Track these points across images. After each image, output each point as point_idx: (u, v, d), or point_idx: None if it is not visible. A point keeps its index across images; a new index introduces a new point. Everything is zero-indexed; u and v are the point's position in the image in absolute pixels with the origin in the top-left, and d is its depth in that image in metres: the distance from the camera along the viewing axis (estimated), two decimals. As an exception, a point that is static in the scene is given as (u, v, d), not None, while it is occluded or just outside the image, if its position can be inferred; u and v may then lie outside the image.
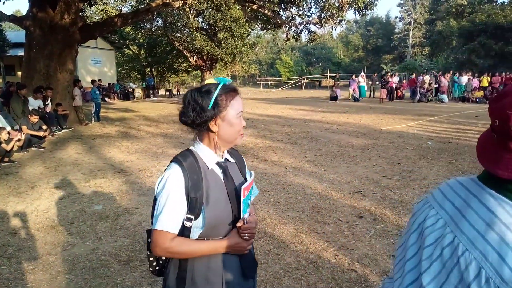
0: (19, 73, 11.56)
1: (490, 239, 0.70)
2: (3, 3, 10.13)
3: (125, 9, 26.76)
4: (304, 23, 18.21)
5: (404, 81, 22.51)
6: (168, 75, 33.74)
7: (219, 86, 1.29)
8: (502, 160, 0.74)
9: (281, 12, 19.27)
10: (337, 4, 15.92)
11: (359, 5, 15.54)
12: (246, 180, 1.42)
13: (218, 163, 1.35)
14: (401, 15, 51.71)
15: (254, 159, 6.77)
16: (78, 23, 10.41)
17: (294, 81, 38.13)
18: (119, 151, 7.64)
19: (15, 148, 6.95)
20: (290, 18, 18.87)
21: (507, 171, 0.73)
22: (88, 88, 12.97)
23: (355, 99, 19.51)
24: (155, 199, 1.31)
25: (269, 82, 39.67)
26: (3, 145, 6.43)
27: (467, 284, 0.69)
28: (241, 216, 1.31)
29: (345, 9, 15.93)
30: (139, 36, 29.63)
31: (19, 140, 7.02)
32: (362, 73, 22.23)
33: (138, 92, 24.81)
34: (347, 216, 4.14)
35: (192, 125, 1.31)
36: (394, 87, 19.31)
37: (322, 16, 16.74)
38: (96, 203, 4.70)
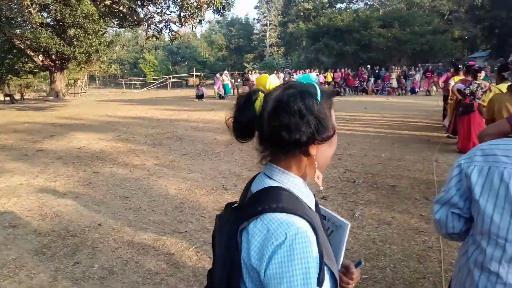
0: None
1: None
2: None
3: None
4: (164, 21, 17.85)
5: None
6: (9, 78, 28.96)
7: (318, 89, 0.88)
8: None
9: (139, 10, 18.47)
10: (195, 4, 16.04)
11: (217, 5, 15.98)
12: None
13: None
14: (258, 17, 55.30)
15: (113, 165, 6.31)
16: None
17: (160, 81, 37.09)
18: None
19: None
20: (149, 16, 18.24)
21: None
22: None
23: (220, 97, 20.06)
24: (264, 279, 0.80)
25: (133, 82, 37.70)
26: None
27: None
28: (344, 262, 1.02)
29: (203, 9, 16.18)
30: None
31: None
32: (226, 72, 23.03)
33: (-33, 99, 20.58)
34: (210, 212, 4.19)
35: (292, 146, 0.87)
36: (255, 84, 20.50)
37: (182, 15, 16.68)
38: None
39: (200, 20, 16.86)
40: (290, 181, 0.90)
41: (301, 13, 44.63)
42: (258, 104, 0.87)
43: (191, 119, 11.83)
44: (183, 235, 3.62)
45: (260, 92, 0.89)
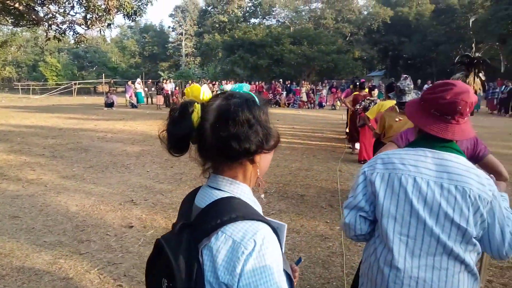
0: None
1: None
2: None
3: None
4: (67, 22, 16.46)
5: (177, 88, 23.67)
6: None
7: (256, 98, 0.89)
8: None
9: (38, 8, 16.77)
10: (103, 7, 15.13)
11: (128, 10, 15.29)
12: None
13: None
14: (174, 26, 54.38)
15: (3, 180, 5.56)
16: None
17: (64, 87, 34.03)
18: None
19: None
20: (50, 15, 16.67)
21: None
22: None
23: (133, 106, 19.17)
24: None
25: (32, 87, 34.01)
26: None
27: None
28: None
29: (112, 12, 15.33)
30: None
31: None
32: (139, 80, 22.09)
33: None
34: (116, 229, 3.92)
35: (240, 155, 0.85)
36: (170, 93, 20.04)
37: (88, 17, 15.59)
38: None
39: (109, 24, 15.92)
40: (239, 189, 0.88)
41: (217, 25, 45.08)
42: (195, 116, 0.82)
43: (98, 128, 11.06)
44: (84, 257, 3.32)
45: (195, 104, 0.84)
